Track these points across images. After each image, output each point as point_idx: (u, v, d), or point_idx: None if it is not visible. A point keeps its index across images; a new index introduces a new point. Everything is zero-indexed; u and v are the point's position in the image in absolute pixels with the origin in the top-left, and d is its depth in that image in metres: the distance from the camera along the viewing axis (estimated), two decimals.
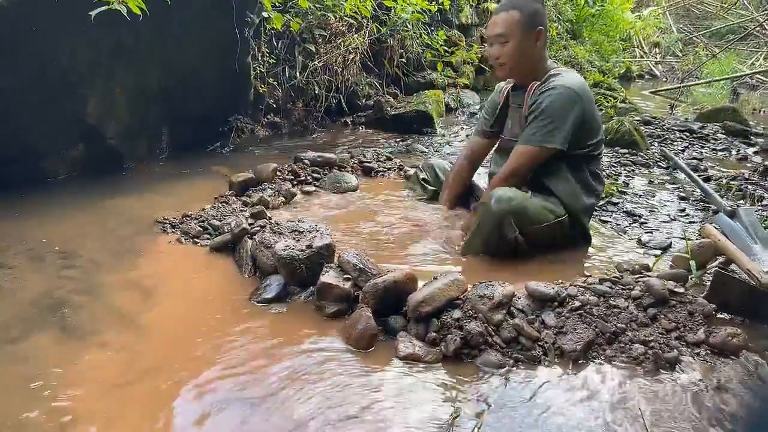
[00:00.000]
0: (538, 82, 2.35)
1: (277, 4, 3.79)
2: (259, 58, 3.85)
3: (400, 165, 3.54)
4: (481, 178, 2.92)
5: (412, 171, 3.31)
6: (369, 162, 3.49)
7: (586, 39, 9.66)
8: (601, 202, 3.02)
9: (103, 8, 2.27)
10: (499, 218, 2.20)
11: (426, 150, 4.19)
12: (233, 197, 2.80)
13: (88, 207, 2.71)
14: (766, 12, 8.39)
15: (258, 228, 2.31)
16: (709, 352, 1.71)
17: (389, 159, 3.66)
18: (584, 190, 2.38)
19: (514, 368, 1.64)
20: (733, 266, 2.17)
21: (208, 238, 2.39)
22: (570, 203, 2.35)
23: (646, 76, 9.91)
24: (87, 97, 2.96)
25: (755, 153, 4.24)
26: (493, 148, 2.67)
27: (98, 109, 3.03)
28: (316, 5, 4.15)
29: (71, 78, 2.85)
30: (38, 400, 1.48)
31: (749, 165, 3.88)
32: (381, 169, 3.45)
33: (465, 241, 2.29)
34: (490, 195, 2.24)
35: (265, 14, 3.59)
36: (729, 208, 2.69)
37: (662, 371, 1.64)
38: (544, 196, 2.34)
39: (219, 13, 3.29)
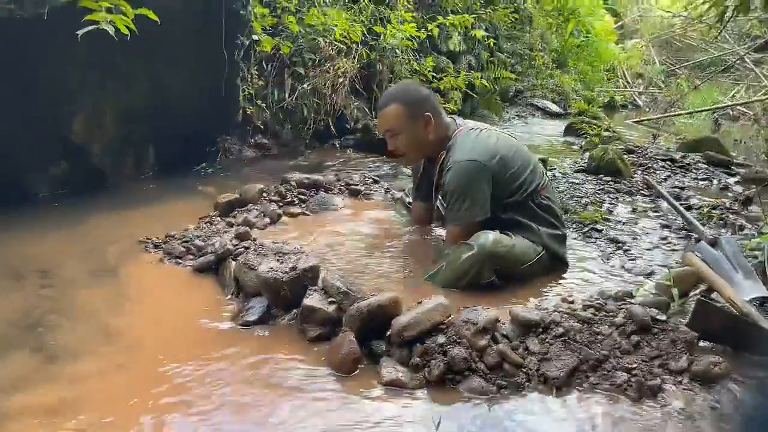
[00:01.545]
0: (444, 152, 2.42)
1: (267, 27, 3.83)
2: (249, 80, 3.86)
3: (387, 188, 3.55)
4: None
5: (399, 194, 3.32)
6: (356, 184, 3.49)
7: (572, 68, 9.85)
8: (585, 229, 3.05)
9: (91, 27, 2.27)
10: (480, 262, 2.20)
11: (412, 173, 4.20)
12: (218, 218, 2.78)
13: (70, 225, 2.68)
14: (746, 46, 8.63)
15: (242, 249, 2.29)
16: (691, 380, 1.71)
17: (376, 182, 3.66)
18: (543, 225, 2.41)
19: (498, 395, 1.63)
20: (714, 295, 2.19)
21: (191, 259, 2.37)
22: (539, 241, 2.38)
23: (630, 106, 10.10)
24: (73, 115, 2.95)
25: (736, 183, 4.32)
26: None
27: (84, 126, 3.01)
28: (307, 29, 4.20)
29: (58, 95, 2.84)
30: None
31: (730, 194, 3.94)
32: (368, 191, 3.45)
33: (437, 270, 2.28)
34: (476, 237, 2.24)
35: (255, 37, 3.62)
36: (710, 237, 2.72)
37: (645, 399, 1.63)
38: (520, 235, 2.36)
39: (209, 34, 3.31)
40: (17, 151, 2.80)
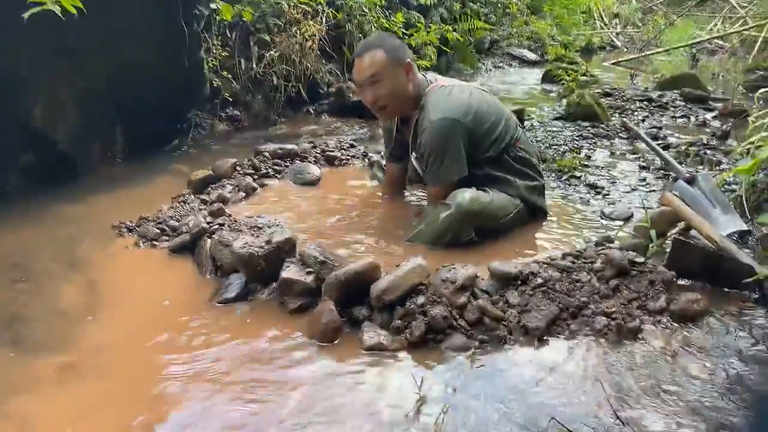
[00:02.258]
0: (417, 112, 2.36)
1: None
2: (213, 51, 3.75)
3: (364, 152, 3.50)
4: None
5: (375, 157, 3.27)
6: (332, 151, 3.44)
7: (547, 13, 9.67)
8: (564, 176, 3.04)
9: (37, 9, 2.17)
10: (459, 221, 2.19)
11: None
12: (191, 196, 2.73)
13: (41, 216, 2.62)
14: None
15: (217, 226, 2.26)
16: (670, 319, 1.73)
17: (353, 146, 3.61)
18: (520, 177, 2.40)
19: (480, 350, 1.64)
20: (693, 232, 2.20)
21: (166, 240, 2.33)
22: (516, 193, 2.37)
23: (608, 48, 9.97)
24: (31, 103, 2.85)
25: (714, 118, 4.31)
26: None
27: (45, 113, 2.92)
28: None
29: (12, 84, 2.73)
30: None
31: (708, 130, 3.94)
32: (344, 157, 3.41)
33: (416, 230, 2.27)
34: (452, 196, 2.22)
35: (213, 5, 3.49)
36: (688, 175, 2.72)
37: (625, 341, 1.65)
38: (498, 189, 2.35)
39: (165, 6, 3.18)
40: None
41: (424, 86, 2.40)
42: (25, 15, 2.24)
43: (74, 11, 2.30)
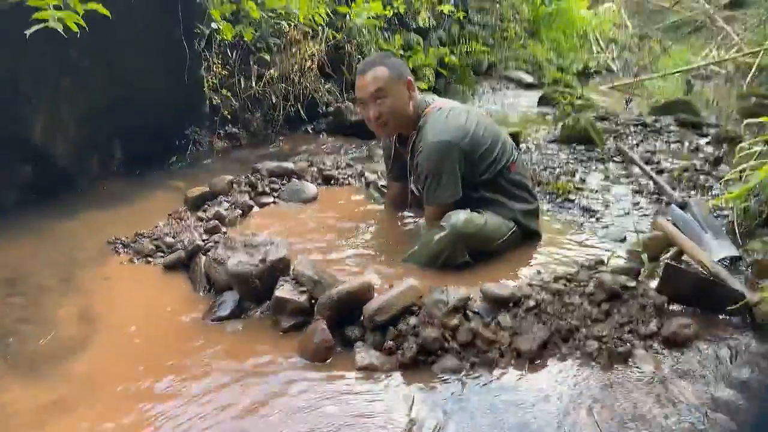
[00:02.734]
0: (415, 133, 2.39)
1: (227, 15, 3.74)
2: (213, 69, 3.79)
3: (361, 171, 3.52)
4: None
5: (372, 177, 3.30)
6: (329, 170, 3.46)
7: (544, 38, 9.81)
8: (558, 199, 3.06)
9: (39, 26, 2.21)
10: (452, 243, 2.20)
11: None
12: (188, 212, 2.74)
13: (38, 231, 2.63)
14: (715, 4, 8.65)
15: (212, 244, 2.27)
16: (661, 343, 1.74)
17: (350, 166, 3.63)
18: (514, 200, 2.42)
19: (471, 372, 1.64)
20: (684, 257, 2.22)
21: (161, 257, 2.34)
22: (510, 217, 2.39)
23: (604, 72, 10.09)
24: (32, 118, 2.88)
25: (707, 143, 4.35)
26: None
27: (45, 129, 2.94)
28: (269, 14, 4.11)
29: (13, 99, 2.76)
30: None
31: (701, 156, 3.97)
32: (341, 176, 3.43)
33: (411, 251, 2.28)
34: (447, 218, 2.24)
35: (214, 25, 3.54)
36: (680, 200, 2.75)
37: (616, 365, 1.66)
38: (492, 211, 2.37)
39: (166, 25, 3.23)
40: None
41: (422, 107, 2.44)
42: (28, 32, 2.27)
43: (76, 29, 2.34)
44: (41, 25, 2.27)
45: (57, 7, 2.31)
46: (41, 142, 2.96)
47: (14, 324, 1.93)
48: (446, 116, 2.36)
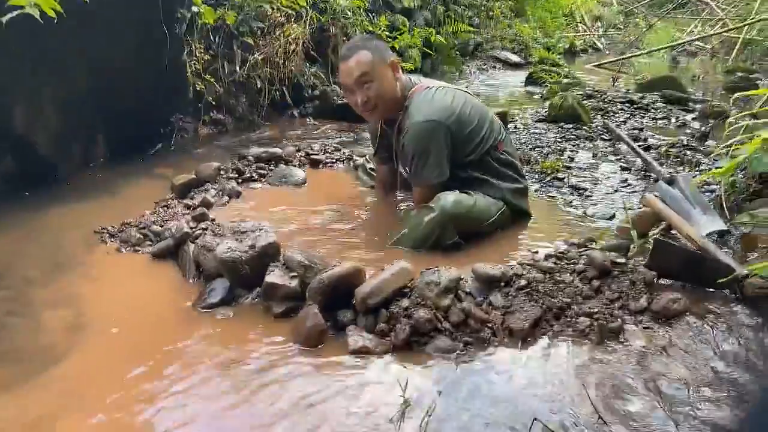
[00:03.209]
0: (401, 114, 2.37)
1: None
2: (195, 54, 3.73)
3: (349, 155, 3.50)
4: None
5: (360, 160, 3.28)
6: (316, 154, 3.44)
7: (530, 17, 9.76)
8: (547, 178, 3.06)
9: (16, 13, 2.14)
10: (442, 225, 2.20)
11: None
12: (175, 200, 2.71)
13: (22, 223, 2.58)
14: None
15: (200, 231, 2.25)
16: (651, 318, 1.75)
17: (337, 149, 3.61)
18: (503, 180, 2.42)
19: (465, 352, 1.65)
20: (673, 232, 2.23)
21: (149, 245, 2.31)
22: (499, 197, 2.39)
23: (590, 51, 10.09)
24: (10, 107, 2.81)
25: (693, 119, 4.37)
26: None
27: (25, 118, 2.88)
28: None
29: None
30: None
31: (688, 131, 4.00)
32: (329, 160, 3.41)
33: (399, 235, 2.28)
34: (436, 199, 2.24)
35: (195, 9, 3.48)
36: (668, 176, 2.76)
37: (607, 341, 1.67)
38: (481, 191, 2.36)
39: (144, 9, 3.16)
40: None
41: (408, 88, 2.41)
42: (4, 19, 2.21)
43: (53, 15, 2.27)
44: (17, 12, 2.21)
45: None
46: (22, 132, 2.90)
47: (2, 317, 1.90)
48: (432, 96, 2.34)
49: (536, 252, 2.13)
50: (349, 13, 4.90)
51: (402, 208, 2.68)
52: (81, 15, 2.57)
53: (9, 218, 2.61)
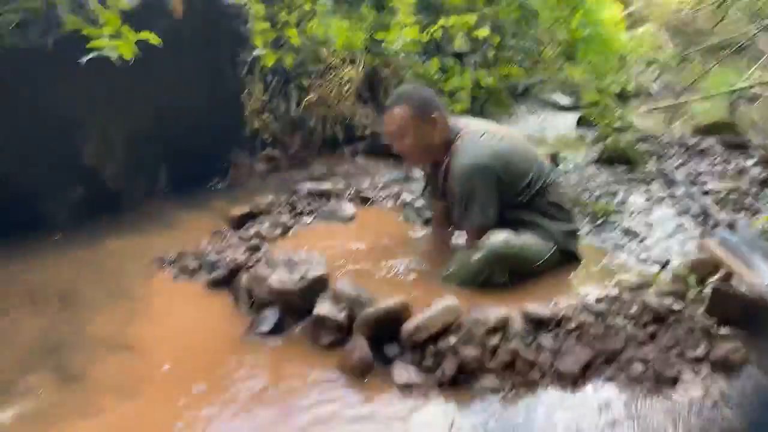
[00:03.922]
0: (448, 157, 2.37)
1: (268, 42, 3.86)
2: (254, 94, 3.90)
3: (398, 192, 3.55)
4: None
5: (409, 198, 3.31)
6: (366, 190, 3.50)
7: (581, 60, 9.75)
8: (598, 221, 3.01)
9: (94, 54, 2.32)
10: (490, 264, 2.20)
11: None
12: (230, 232, 2.81)
13: (86, 249, 2.73)
14: (757, 25, 8.47)
15: (254, 262, 2.31)
16: (710, 368, 1.68)
17: (386, 187, 3.66)
18: (552, 221, 2.39)
19: (512, 393, 1.62)
20: (733, 280, 2.14)
21: (204, 275, 2.39)
22: (549, 239, 2.36)
23: (642, 95, 9.95)
24: (84, 140, 3.01)
25: (753, 165, 4.22)
26: None
27: (96, 151, 3.08)
28: (308, 41, 4.23)
29: (67, 122, 2.90)
30: None
31: (747, 177, 3.86)
32: (378, 197, 3.46)
33: (450, 271, 2.28)
34: (485, 238, 2.24)
35: (256, 52, 3.66)
36: (728, 222, 2.67)
37: (663, 389, 1.61)
38: (531, 232, 2.35)
39: (211, 52, 3.36)
40: (33, 179, 2.87)
41: (455, 131, 2.44)
42: (83, 60, 2.40)
43: (130, 56, 2.45)
44: (95, 53, 2.39)
45: (112, 36, 2.43)
46: (92, 165, 3.10)
47: (63, 337, 2.00)
48: (479, 139, 2.36)
49: (587, 295, 2.09)
50: (402, 56, 5.04)
51: (451, 246, 2.67)
52: (152, 56, 2.75)
53: (75, 244, 2.77)
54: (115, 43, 2.42)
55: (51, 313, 2.16)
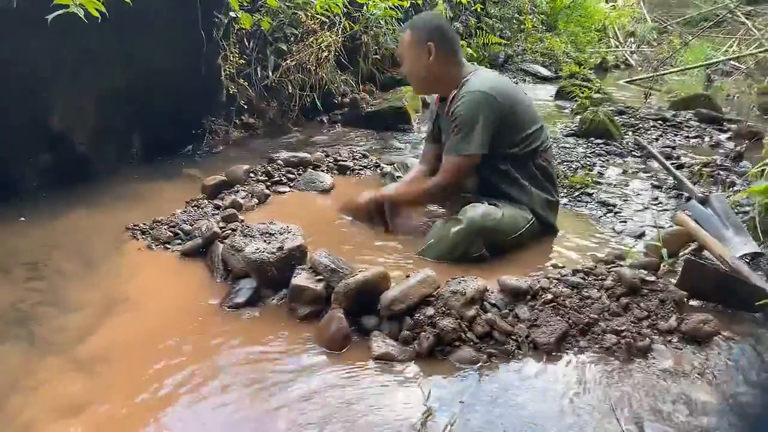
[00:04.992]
0: (456, 90, 2.36)
1: (245, 3, 3.74)
2: (230, 58, 3.79)
3: (377, 162, 3.52)
4: None
5: (388, 168, 3.29)
6: (344, 160, 3.46)
7: (562, 31, 9.71)
8: (576, 193, 3.04)
9: (61, 11, 2.22)
10: (469, 236, 2.19)
11: (403, 146, 4.17)
12: (205, 201, 2.75)
13: (57, 216, 2.65)
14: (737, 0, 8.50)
15: (229, 231, 2.28)
16: (681, 339, 1.72)
17: (365, 156, 3.63)
18: (536, 188, 2.40)
19: (488, 363, 1.63)
20: (705, 253, 2.19)
21: (179, 244, 2.35)
22: (530, 205, 2.37)
23: (622, 66, 9.97)
24: (51, 104, 2.90)
25: (728, 139, 4.29)
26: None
27: (64, 115, 2.96)
28: (287, 4, 4.11)
29: (33, 84, 2.78)
30: None
31: (722, 151, 3.92)
32: (357, 167, 3.43)
33: (427, 245, 2.27)
34: (464, 211, 2.23)
35: (233, 14, 3.54)
36: (701, 195, 2.71)
37: (635, 360, 1.64)
38: (510, 203, 2.35)
39: (184, 13, 3.24)
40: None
41: (467, 70, 2.42)
42: (49, 17, 2.29)
43: (97, 15, 2.35)
44: (62, 11, 2.28)
45: None
46: (60, 129, 2.99)
47: (33, 307, 1.95)
48: (492, 75, 2.43)
49: (563, 267, 2.11)
50: (381, 22, 4.94)
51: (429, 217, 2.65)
52: (122, 16, 2.64)
53: (45, 212, 2.69)
54: (83, 0, 2.32)
55: (20, 282, 2.10)
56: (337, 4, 4.28)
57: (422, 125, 4.60)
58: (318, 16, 4.33)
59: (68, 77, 2.93)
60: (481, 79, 2.33)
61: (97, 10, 2.31)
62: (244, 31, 3.85)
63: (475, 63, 2.56)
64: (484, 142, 2.27)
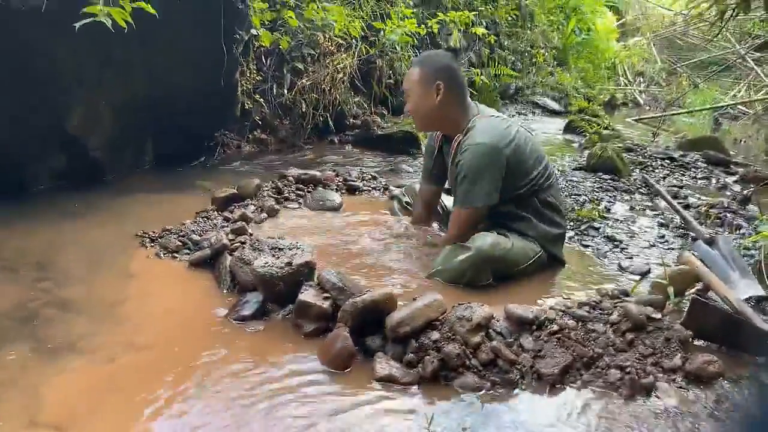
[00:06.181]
0: (462, 135, 2.38)
1: (266, 22, 3.82)
2: (247, 75, 3.85)
3: (385, 184, 3.55)
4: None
5: (396, 191, 3.31)
6: (354, 180, 3.49)
7: (573, 66, 9.83)
8: (582, 227, 3.05)
9: (89, 20, 2.27)
10: (476, 265, 2.20)
11: (411, 171, 4.20)
12: (215, 212, 2.78)
13: (67, 218, 2.68)
14: (747, 45, 8.60)
15: (238, 244, 2.29)
16: (685, 378, 1.71)
17: (374, 178, 3.66)
18: (543, 222, 2.41)
19: (492, 391, 1.63)
20: (710, 293, 2.19)
21: (187, 254, 2.36)
22: (537, 238, 2.38)
23: (630, 104, 10.07)
24: (70, 107, 2.94)
25: (735, 182, 4.31)
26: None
27: (82, 119, 3.01)
28: (306, 24, 4.19)
29: (55, 87, 2.83)
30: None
31: (728, 194, 3.94)
32: (366, 187, 3.45)
33: (436, 268, 2.28)
34: (473, 240, 2.25)
35: (253, 31, 3.61)
36: (708, 236, 2.72)
37: (638, 397, 1.63)
38: (519, 236, 2.37)
39: (207, 29, 3.30)
40: (15, 142, 2.79)
41: (472, 112, 2.44)
42: (77, 24, 2.34)
43: (124, 25, 2.40)
44: (90, 19, 2.33)
45: (106, 2, 2.37)
46: (78, 133, 3.03)
47: (40, 307, 1.96)
48: (496, 123, 2.39)
49: (569, 299, 2.11)
50: (397, 47, 5.02)
51: (430, 239, 2.64)
52: (148, 27, 2.69)
53: (56, 213, 2.72)
54: (111, 10, 2.37)
55: (28, 283, 2.11)
56: (355, 27, 4.35)
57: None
58: (336, 38, 4.41)
59: (89, 84, 2.98)
60: (483, 126, 2.35)
61: (124, 20, 2.35)
62: (263, 48, 3.92)
63: (477, 103, 2.55)
64: (491, 192, 2.30)
